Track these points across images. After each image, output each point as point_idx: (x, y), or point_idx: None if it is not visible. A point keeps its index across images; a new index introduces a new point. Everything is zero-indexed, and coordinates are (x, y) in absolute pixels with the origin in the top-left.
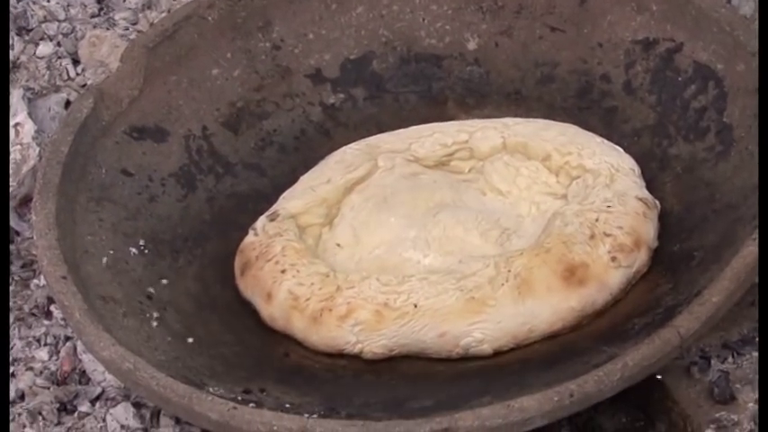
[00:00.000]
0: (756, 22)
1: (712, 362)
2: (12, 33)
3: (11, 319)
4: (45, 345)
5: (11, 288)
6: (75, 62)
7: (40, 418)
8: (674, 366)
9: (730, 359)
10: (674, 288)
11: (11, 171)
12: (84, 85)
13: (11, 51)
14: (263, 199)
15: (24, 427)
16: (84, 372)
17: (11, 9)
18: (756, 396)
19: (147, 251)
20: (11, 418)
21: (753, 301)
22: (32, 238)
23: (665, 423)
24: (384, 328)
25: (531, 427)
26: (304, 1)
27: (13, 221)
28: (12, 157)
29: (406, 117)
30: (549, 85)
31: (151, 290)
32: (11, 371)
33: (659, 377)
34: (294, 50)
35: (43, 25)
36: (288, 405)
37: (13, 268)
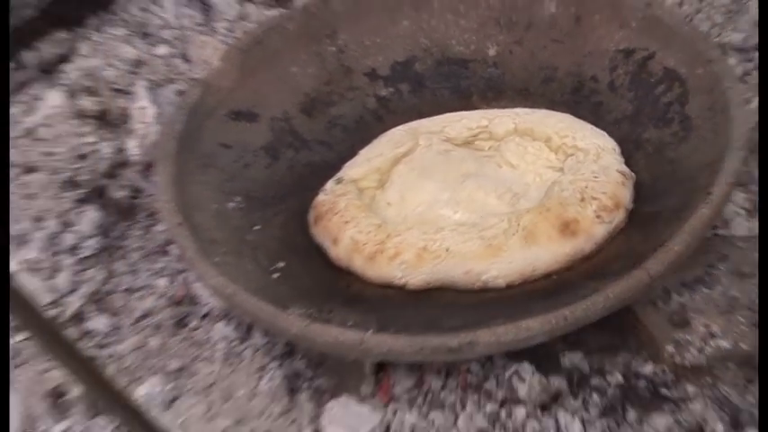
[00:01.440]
0: (714, 38)
1: (672, 296)
2: (137, 37)
3: (138, 257)
4: (164, 276)
5: (138, 233)
6: (186, 60)
7: (161, 330)
8: (643, 299)
9: (687, 294)
10: (644, 240)
11: (138, 144)
12: (193, 79)
13: (136, 51)
14: (331, 168)
15: (148, 337)
16: (194, 297)
17: (136, 16)
18: (706, 321)
19: (242, 206)
20: (139, 330)
21: (704, 250)
22: (154, 194)
23: (635, 341)
24: (423, 267)
25: (534, 342)
26: (363, 16)
27: (140, 182)
28: (139, 133)
29: (440, 107)
30: (551, 84)
31: (246, 235)
32: (140, 295)
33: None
34: (355, 54)
35: (161, 31)
36: (350, 323)
37: (140, 217)
